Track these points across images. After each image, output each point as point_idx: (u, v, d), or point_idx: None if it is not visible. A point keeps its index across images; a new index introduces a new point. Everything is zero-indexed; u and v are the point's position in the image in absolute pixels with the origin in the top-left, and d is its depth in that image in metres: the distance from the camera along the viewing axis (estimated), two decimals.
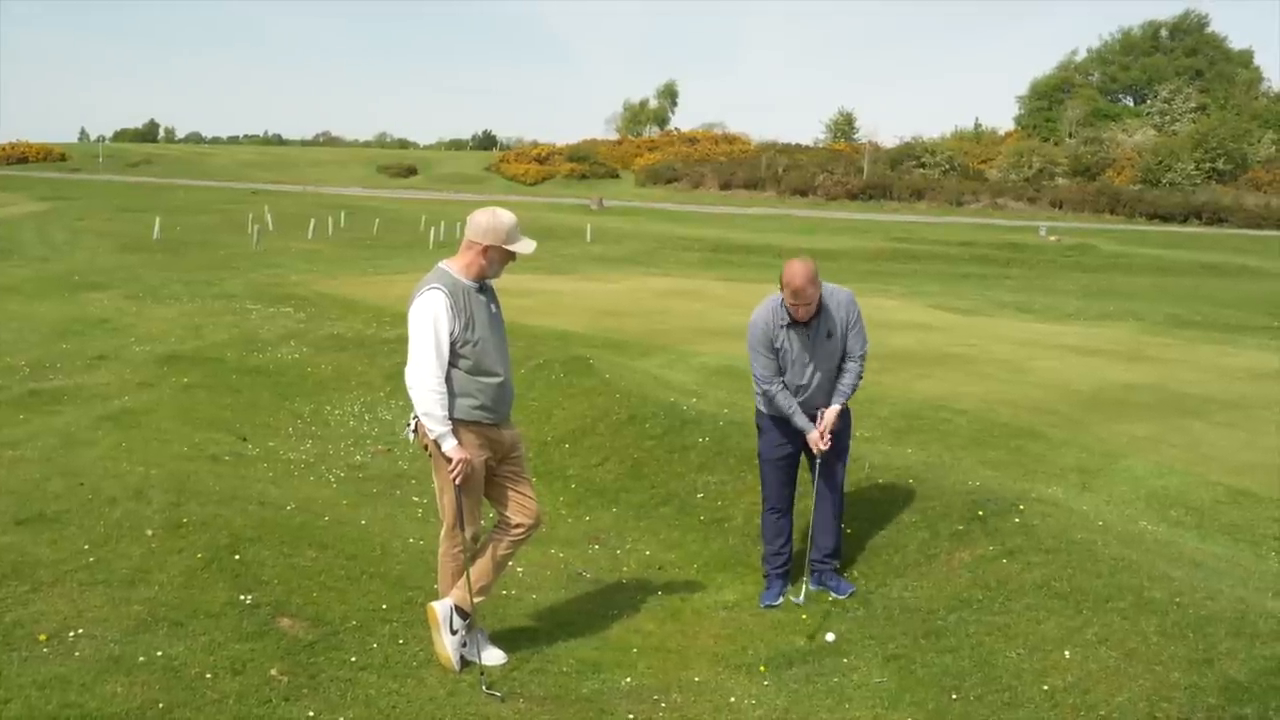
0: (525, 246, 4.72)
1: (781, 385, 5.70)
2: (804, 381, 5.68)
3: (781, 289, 5.50)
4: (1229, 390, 11.26)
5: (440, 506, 4.80)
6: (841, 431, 5.84)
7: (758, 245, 42.18)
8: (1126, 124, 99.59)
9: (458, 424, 4.58)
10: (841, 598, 5.75)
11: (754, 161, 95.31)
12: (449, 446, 4.54)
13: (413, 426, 4.72)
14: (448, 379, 4.55)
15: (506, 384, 4.77)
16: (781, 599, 5.85)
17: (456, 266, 4.67)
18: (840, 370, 5.73)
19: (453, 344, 4.54)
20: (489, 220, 4.63)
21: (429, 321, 4.51)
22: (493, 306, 4.77)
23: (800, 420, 5.67)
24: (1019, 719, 4.31)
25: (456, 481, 4.59)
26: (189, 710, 3.98)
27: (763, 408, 5.87)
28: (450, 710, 4.32)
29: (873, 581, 5.84)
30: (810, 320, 5.58)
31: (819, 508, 5.90)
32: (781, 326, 5.62)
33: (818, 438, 5.65)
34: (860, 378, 5.76)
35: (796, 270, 5.42)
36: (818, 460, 5.76)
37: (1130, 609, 4.78)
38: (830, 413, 5.68)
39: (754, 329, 5.74)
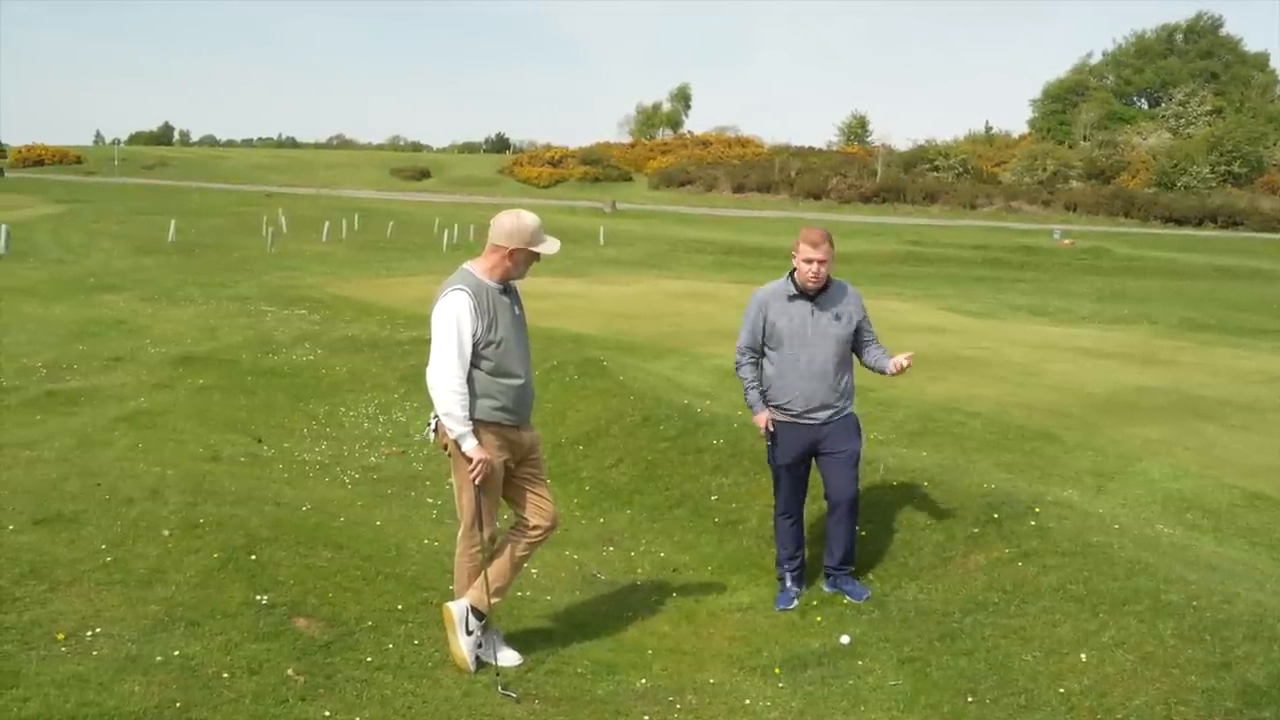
0: (550, 247, 4.76)
1: (753, 362, 5.69)
2: (801, 365, 5.54)
3: (795, 255, 5.53)
4: (1244, 393, 11.20)
5: (458, 507, 4.81)
6: (851, 439, 5.73)
7: (770, 248, 42.13)
8: (1141, 127, 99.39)
9: (478, 424, 4.60)
10: (858, 602, 5.74)
11: (767, 164, 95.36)
12: (469, 446, 4.55)
13: (433, 426, 4.73)
14: (469, 380, 4.57)
15: (527, 386, 4.79)
16: (796, 603, 5.84)
17: (481, 268, 4.69)
18: (868, 354, 5.71)
19: (475, 345, 4.56)
20: (513, 223, 4.65)
21: (452, 322, 4.53)
22: (516, 308, 4.79)
23: (752, 396, 5.69)
24: None
25: (476, 481, 4.60)
26: (206, 709, 4.00)
27: (772, 412, 5.81)
28: (466, 711, 4.33)
29: (888, 584, 5.82)
30: (819, 295, 5.55)
31: (831, 515, 5.84)
32: (788, 299, 5.58)
33: (768, 418, 5.63)
34: (883, 349, 5.76)
35: (813, 229, 5.51)
36: (828, 467, 5.72)
37: (1147, 612, 4.76)
38: (893, 362, 5.56)
39: (754, 296, 5.76)
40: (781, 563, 5.98)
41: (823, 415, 5.62)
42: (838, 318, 5.58)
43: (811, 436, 5.65)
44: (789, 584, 5.94)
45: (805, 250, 5.44)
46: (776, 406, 5.67)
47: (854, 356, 5.78)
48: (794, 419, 5.65)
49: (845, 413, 5.72)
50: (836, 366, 5.61)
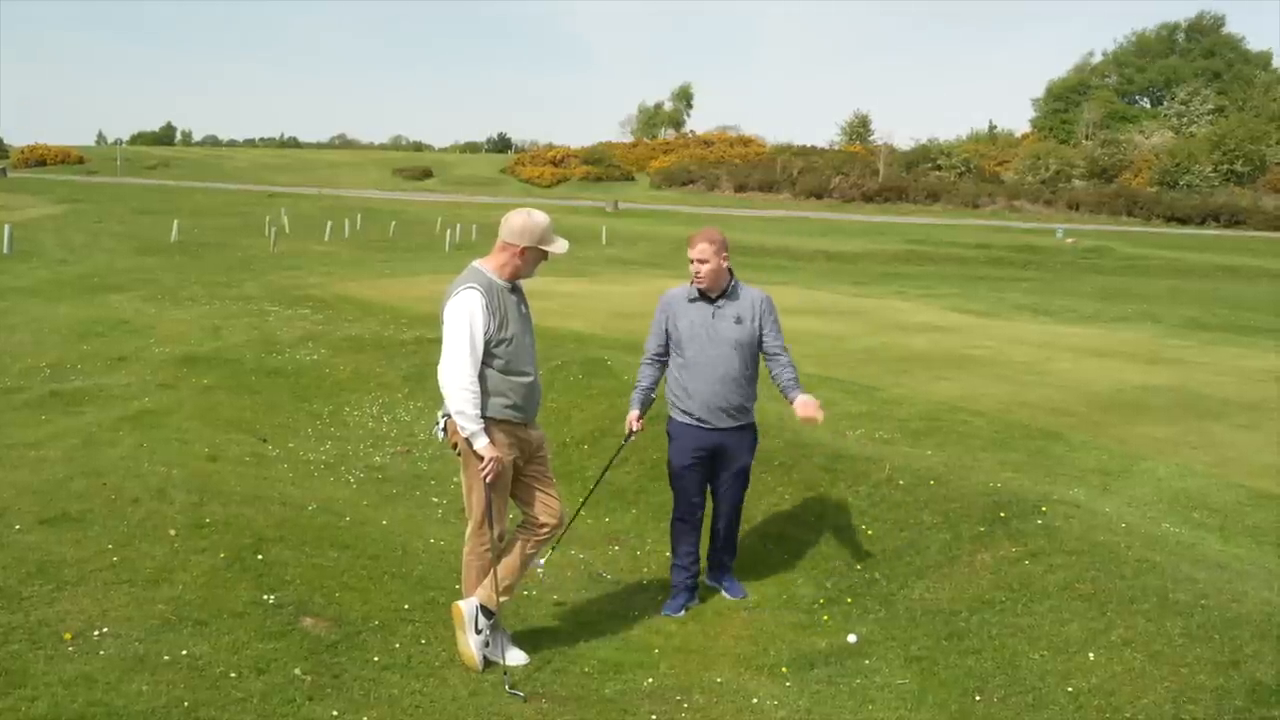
0: (560, 246, 4.80)
1: (651, 363, 5.69)
2: (702, 369, 5.50)
3: None
4: (1249, 392, 11.18)
5: (468, 505, 4.82)
6: (746, 453, 5.75)
7: (772, 248, 42.14)
8: (1144, 126, 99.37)
9: (489, 422, 4.62)
10: (731, 599, 5.85)
11: (769, 164, 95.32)
12: (481, 444, 4.56)
13: (442, 425, 4.74)
14: (481, 378, 4.59)
15: (536, 383, 4.82)
16: (684, 611, 5.77)
17: (491, 266, 4.71)
18: (775, 369, 5.59)
19: (487, 343, 4.58)
20: (524, 222, 4.68)
21: (465, 320, 4.54)
22: (523, 306, 4.82)
23: (635, 398, 5.67)
24: None
25: (487, 479, 4.60)
26: (214, 709, 4.00)
27: (673, 414, 5.72)
28: (473, 710, 4.33)
29: (894, 583, 5.81)
30: (717, 299, 5.53)
31: (715, 519, 5.94)
32: (689, 301, 5.58)
33: (635, 417, 5.62)
34: (794, 368, 5.59)
35: (700, 230, 5.54)
36: (721, 475, 5.77)
37: (1155, 611, 4.75)
38: (800, 399, 5.43)
39: (660, 300, 5.74)
40: (673, 570, 5.92)
41: (724, 421, 5.58)
42: (738, 321, 5.53)
43: (713, 441, 5.62)
44: (680, 592, 5.86)
45: (688, 251, 5.46)
46: (681, 410, 5.64)
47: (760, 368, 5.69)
48: (695, 423, 5.60)
49: (745, 422, 5.68)
50: (739, 372, 5.55)
